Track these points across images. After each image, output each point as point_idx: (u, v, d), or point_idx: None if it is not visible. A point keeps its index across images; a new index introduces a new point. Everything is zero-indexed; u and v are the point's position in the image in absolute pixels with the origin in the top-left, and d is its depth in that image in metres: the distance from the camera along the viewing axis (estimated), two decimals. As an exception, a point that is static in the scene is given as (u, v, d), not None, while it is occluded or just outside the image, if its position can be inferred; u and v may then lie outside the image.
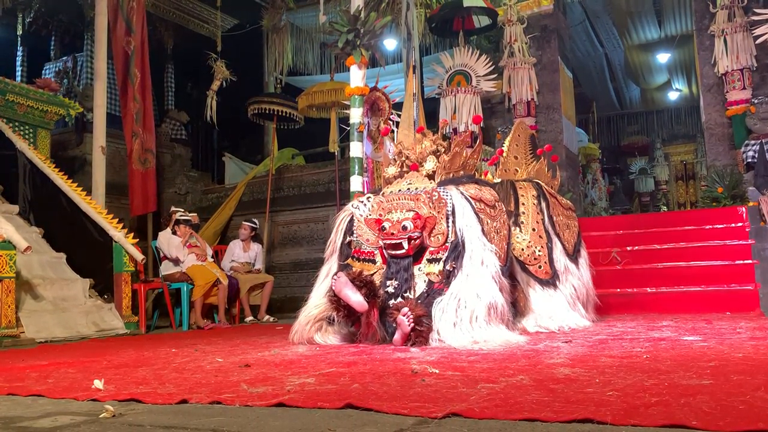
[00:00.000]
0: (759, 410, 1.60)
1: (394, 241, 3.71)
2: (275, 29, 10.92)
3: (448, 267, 3.66)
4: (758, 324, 4.03)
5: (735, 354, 2.66)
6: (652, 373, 2.22)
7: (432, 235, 3.78)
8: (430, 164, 4.09)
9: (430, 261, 3.77)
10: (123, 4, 8.15)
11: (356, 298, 3.55)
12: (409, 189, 3.98)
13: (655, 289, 5.63)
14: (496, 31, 8.93)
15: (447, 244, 3.75)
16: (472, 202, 3.82)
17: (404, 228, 3.70)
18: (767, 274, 5.33)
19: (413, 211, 3.78)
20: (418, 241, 3.74)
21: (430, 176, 4.08)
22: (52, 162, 6.92)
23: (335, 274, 3.69)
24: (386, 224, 3.77)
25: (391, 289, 3.71)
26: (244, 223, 7.55)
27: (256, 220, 7.67)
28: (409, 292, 3.68)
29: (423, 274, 3.74)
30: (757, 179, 6.56)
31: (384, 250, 3.86)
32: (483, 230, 3.73)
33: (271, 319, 6.86)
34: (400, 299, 3.64)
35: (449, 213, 3.82)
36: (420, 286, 3.72)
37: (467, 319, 3.39)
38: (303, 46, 11.40)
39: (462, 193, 3.86)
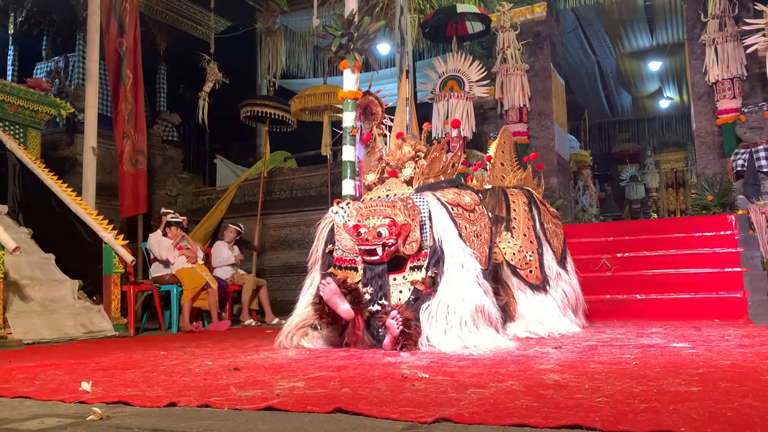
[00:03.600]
0: (747, 417, 1.61)
1: (368, 247, 3.69)
2: (269, 32, 10.91)
3: (430, 273, 3.67)
4: (746, 331, 4.06)
5: (723, 361, 2.68)
6: (641, 379, 2.23)
7: (407, 242, 3.77)
8: (408, 170, 4.08)
9: (413, 269, 3.76)
10: (116, 4, 8.12)
11: (344, 307, 3.56)
12: (387, 196, 3.98)
13: (645, 295, 5.65)
14: (489, 37, 8.96)
15: (424, 251, 3.74)
16: (449, 207, 3.82)
17: (379, 234, 3.69)
18: (756, 281, 5.37)
19: (389, 218, 3.75)
20: (393, 248, 3.71)
21: (409, 182, 4.07)
22: (43, 162, 6.88)
23: (324, 279, 3.68)
24: (362, 230, 3.76)
25: (367, 296, 3.69)
26: (231, 226, 7.55)
27: (241, 225, 7.70)
28: (384, 299, 3.68)
29: (407, 282, 3.74)
30: (746, 188, 6.61)
31: (360, 257, 3.84)
32: (461, 235, 3.74)
33: (275, 321, 6.79)
34: (376, 306, 3.64)
35: (424, 220, 3.80)
36: (405, 294, 3.72)
37: (457, 324, 3.40)
38: (296, 49, 11.41)
39: (438, 199, 3.85)
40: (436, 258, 3.68)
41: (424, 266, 3.71)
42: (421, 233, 3.77)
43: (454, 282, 3.56)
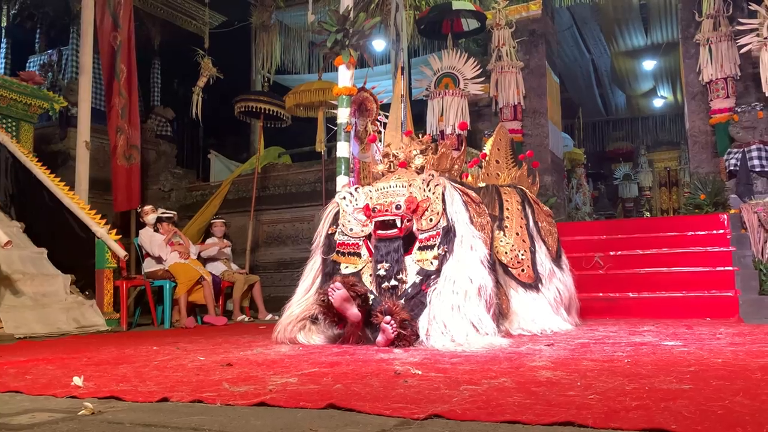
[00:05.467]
0: (737, 415, 1.62)
1: (387, 218, 3.70)
2: (264, 27, 10.88)
3: (440, 251, 3.69)
4: (737, 330, 4.08)
5: (715, 359, 2.69)
6: (633, 377, 2.24)
7: (424, 217, 3.79)
8: (419, 161, 4.13)
9: (421, 249, 3.77)
10: (110, -2, 8.09)
11: (353, 311, 3.58)
12: (398, 183, 3.99)
13: (637, 294, 5.67)
14: (485, 34, 8.96)
15: (437, 231, 3.76)
16: (460, 192, 3.87)
17: (398, 207, 3.73)
18: (747, 280, 5.39)
19: (404, 196, 3.81)
20: (409, 223, 3.75)
21: (420, 171, 4.11)
22: (35, 156, 6.84)
23: (333, 284, 3.65)
24: (378, 206, 3.78)
25: (382, 272, 3.69)
26: (216, 221, 7.54)
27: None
28: (402, 274, 3.69)
29: (414, 262, 3.76)
30: (738, 187, 6.63)
31: (373, 233, 3.83)
32: (471, 218, 3.78)
33: (268, 317, 6.78)
34: (393, 281, 3.65)
35: (443, 195, 3.85)
36: (411, 277, 3.73)
37: (462, 299, 3.46)
38: (291, 44, 11.38)
39: (451, 183, 3.92)
40: (449, 238, 3.71)
41: (436, 245, 3.73)
42: (442, 208, 3.80)
43: (462, 261, 3.60)
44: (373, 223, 3.79)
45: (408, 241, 3.82)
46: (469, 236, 3.69)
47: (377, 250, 3.78)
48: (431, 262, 3.70)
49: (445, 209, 3.79)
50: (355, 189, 4.13)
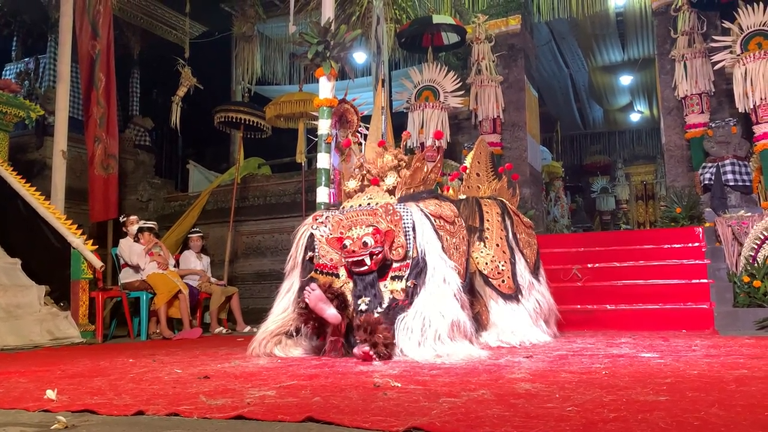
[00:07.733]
0: (712, 426, 1.64)
1: (356, 258, 3.69)
2: (245, 38, 10.87)
3: (409, 284, 3.67)
4: (712, 342, 4.13)
5: (690, 371, 2.72)
6: (610, 389, 2.25)
7: (392, 248, 3.78)
8: (390, 179, 4.08)
9: (393, 278, 3.76)
10: (89, 7, 8.03)
11: (330, 311, 3.54)
12: (369, 204, 3.97)
13: (615, 306, 5.72)
14: (464, 48, 9.04)
15: (408, 261, 3.75)
16: (432, 219, 3.84)
17: (365, 244, 3.69)
18: (722, 293, 5.47)
19: (372, 226, 3.76)
20: (380, 255, 3.72)
21: (391, 192, 4.07)
22: (10, 165, 6.74)
23: (308, 286, 3.64)
24: (347, 242, 3.75)
25: (363, 306, 3.68)
26: (193, 235, 7.46)
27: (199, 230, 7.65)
28: (380, 307, 3.67)
29: (387, 290, 3.75)
30: (713, 201, 6.74)
31: (349, 268, 3.84)
32: (443, 247, 3.76)
33: (246, 329, 6.71)
34: (375, 314, 3.61)
35: (407, 227, 3.82)
36: (385, 301, 3.72)
37: (432, 337, 3.41)
38: (272, 55, 11.38)
39: (422, 210, 3.87)
40: (418, 269, 3.69)
41: (405, 276, 3.72)
42: (405, 240, 3.78)
43: (434, 295, 3.57)
44: (346, 261, 3.79)
45: (383, 266, 3.79)
46: (442, 267, 3.67)
47: (355, 285, 3.79)
48: (400, 293, 3.69)
49: (415, 239, 3.77)
50: (326, 217, 4.10)
